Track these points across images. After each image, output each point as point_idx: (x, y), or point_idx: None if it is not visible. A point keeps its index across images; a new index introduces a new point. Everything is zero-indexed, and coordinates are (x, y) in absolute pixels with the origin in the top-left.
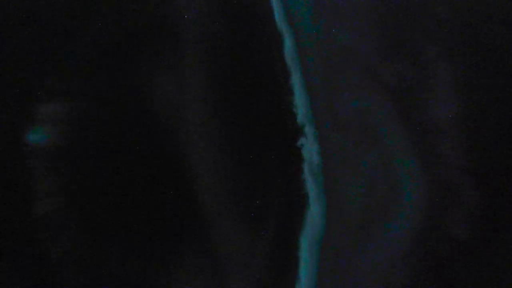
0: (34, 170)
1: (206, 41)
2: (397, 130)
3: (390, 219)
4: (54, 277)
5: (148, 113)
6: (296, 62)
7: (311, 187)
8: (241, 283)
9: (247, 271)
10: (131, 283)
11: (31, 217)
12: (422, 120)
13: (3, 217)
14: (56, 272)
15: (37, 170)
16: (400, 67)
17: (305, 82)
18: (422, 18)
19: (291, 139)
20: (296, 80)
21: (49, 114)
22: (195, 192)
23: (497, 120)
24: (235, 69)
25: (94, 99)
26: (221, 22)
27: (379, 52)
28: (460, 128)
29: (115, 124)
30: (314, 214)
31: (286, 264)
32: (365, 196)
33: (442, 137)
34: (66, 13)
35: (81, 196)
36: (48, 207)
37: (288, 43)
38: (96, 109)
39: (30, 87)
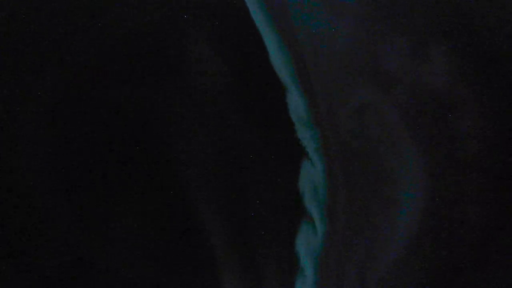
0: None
1: (206, 41)
2: (398, 127)
3: (390, 219)
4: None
5: (147, 114)
6: (292, 62)
7: (311, 186)
8: (240, 283)
9: (246, 271)
10: (123, 284)
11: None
12: (423, 116)
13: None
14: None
15: (34, 167)
16: (401, 63)
17: (303, 82)
18: (425, 16)
19: (290, 139)
20: (293, 79)
21: (50, 113)
22: (194, 191)
23: (502, 117)
24: (233, 69)
25: (94, 98)
26: (221, 23)
27: (379, 48)
28: (463, 125)
29: (114, 124)
30: (314, 215)
31: (286, 263)
32: (365, 196)
33: (444, 134)
34: (66, 12)
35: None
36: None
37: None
38: (96, 108)
39: (30, 86)
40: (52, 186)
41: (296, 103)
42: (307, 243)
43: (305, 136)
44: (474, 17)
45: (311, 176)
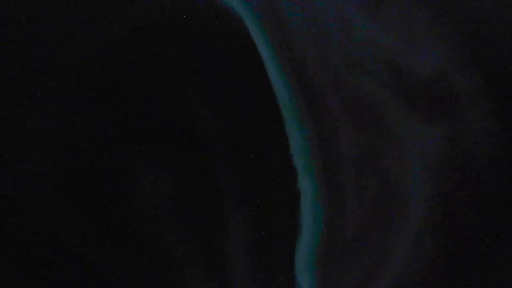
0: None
1: (205, 41)
2: (398, 121)
3: (392, 224)
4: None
5: (149, 113)
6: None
7: (308, 182)
8: (238, 282)
9: (245, 270)
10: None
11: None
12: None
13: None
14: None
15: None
16: (401, 56)
17: (296, 66)
18: (421, 8)
19: (284, 132)
20: (284, 75)
21: (48, 113)
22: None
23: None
24: (225, 68)
25: (94, 98)
26: (214, 24)
27: (376, 34)
28: (465, 122)
29: (115, 123)
30: (310, 215)
31: (285, 263)
32: (364, 201)
33: (446, 133)
34: (65, 11)
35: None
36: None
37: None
38: (96, 108)
39: (29, 86)
40: (53, 188)
41: (286, 99)
42: (304, 253)
43: (298, 138)
44: (473, 9)
45: (308, 180)
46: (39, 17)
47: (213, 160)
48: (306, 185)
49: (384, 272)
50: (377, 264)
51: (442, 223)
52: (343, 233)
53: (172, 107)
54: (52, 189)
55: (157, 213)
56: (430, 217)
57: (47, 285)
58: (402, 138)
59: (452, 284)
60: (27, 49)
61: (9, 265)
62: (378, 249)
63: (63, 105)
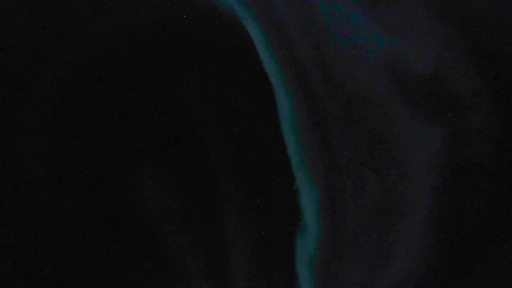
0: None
1: (204, 41)
2: (397, 121)
3: (393, 228)
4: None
5: (148, 113)
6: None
7: (308, 183)
8: (238, 281)
9: (245, 270)
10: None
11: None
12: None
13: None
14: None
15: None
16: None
17: (292, 59)
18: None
19: (284, 132)
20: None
21: (48, 112)
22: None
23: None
24: (224, 70)
25: (94, 98)
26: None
27: (376, 33)
28: (466, 123)
29: (115, 123)
30: (309, 215)
31: (284, 263)
32: (365, 205)
33: (447, 133)
34: (66, 11)
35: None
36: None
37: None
38: (96, 108)
39: (29, 86)
40: (53, 188)
41: (285, 99)
42: (304, 253)
43: (298, 139)
44: (473, 9)
45: (306, 183)
46: (39, 16)
47: (213, 160)
48: (306, 185)
49: (384, 272)
50: (378, 265)
51: (442, 223)
52: (343, 233)
53: (172, 107)
54: (52, 189)
55: (158, 213)
56: (430, 217)
57: (47, 285)
58: (402, 138)
59: (452, 284)
60: (27, 49)
61: (9, 265)
62: (379, 249)
63: (63, 104)
